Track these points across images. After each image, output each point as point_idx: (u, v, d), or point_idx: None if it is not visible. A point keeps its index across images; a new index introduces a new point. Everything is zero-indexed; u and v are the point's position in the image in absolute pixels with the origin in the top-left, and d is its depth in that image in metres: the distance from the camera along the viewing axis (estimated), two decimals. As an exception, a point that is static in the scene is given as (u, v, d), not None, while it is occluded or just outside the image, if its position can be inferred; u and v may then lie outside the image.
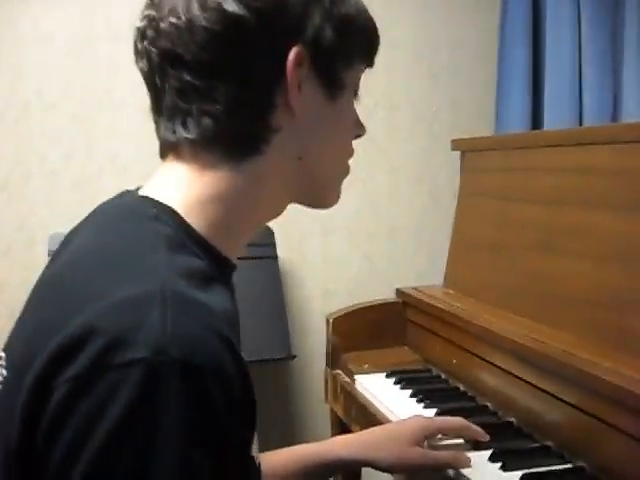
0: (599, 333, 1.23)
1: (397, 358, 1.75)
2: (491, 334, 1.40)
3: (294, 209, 2.58)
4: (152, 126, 0.80)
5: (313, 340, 2.40)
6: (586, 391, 1.13)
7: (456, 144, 1.90)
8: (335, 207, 2.63)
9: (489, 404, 1.42)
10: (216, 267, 0.73)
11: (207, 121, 0.72)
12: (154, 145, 0.80)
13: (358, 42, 0.80)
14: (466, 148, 1.85)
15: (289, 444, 1.19)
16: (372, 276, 2.51)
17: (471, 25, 2.56)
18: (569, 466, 1.15)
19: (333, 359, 1.79)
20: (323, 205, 0.87)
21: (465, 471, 1.13)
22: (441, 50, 2.54)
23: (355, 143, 2.65)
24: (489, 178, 1.74)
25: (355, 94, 0.84)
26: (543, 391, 1.24)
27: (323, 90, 0.78)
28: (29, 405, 0.61)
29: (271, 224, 2.22)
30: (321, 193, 0.86)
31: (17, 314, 0.75)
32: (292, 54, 0.73)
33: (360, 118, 0.87)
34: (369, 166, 2.49)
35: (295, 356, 2.12)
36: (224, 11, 0.70)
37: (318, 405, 2.21)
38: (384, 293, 2.01)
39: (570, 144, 1.45)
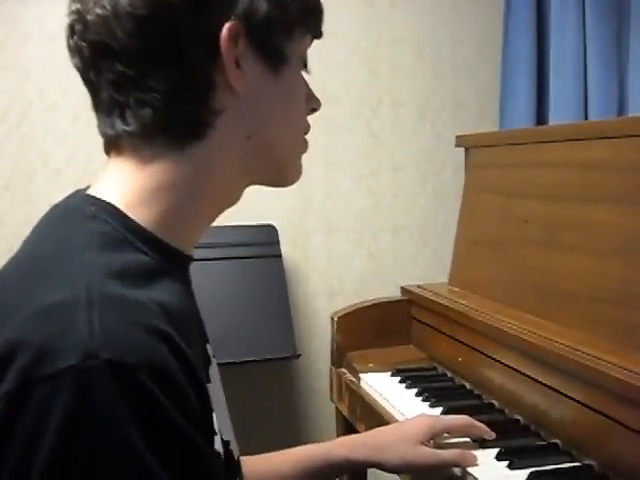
0: (604, 328, 1.22)
1: (402, 356, 1.75)
2: (496, 331, 1.39)
3: (297, 207, 2.56)
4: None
5: (318, 339, 2.40)
6: (592, 387, 1.12)
7: (460, 140, 1.89)
8: (339, 205, 2.62)
9: (495, 402, 1.41)
10: (165, 260, 0.70)
11: (145, 111, 0.69)
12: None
13: (296, 10, 0.75)
14: (470, 144, 1.84)
15: (294, 443, 1.18)
16: (377, 274, 2.50)
17: (474, 23, 2.54)
18: (577, 464, 1.14)
19: (338, 358, 1.79)
20: (283, 183, 0.83)
21: (472, 470, 1.12)
22: (444, 48, 2.53)
23: (360, 141, 2.66)
24: (493, 174, 1.74)
25: (304, 66, 0.81)
26: (549, 388, 1.23)
27: (264, 64, 0.74)
28: None
29: (275, 222, 2.25)
30: (278, 171, 0.82)
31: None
32: (224, 30, 0.69)
33: (313, 91, 0.83)
34: (373, 164, 2.48)
35: (300, 355, 2.11)
36: None
37: (323, 404, 2.20)
38: (390, 291, 2.00)
39: (573, 139, 1.45)
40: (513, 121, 2.36)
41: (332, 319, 1.81)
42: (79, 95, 2.52)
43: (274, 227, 2.24)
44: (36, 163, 2.30)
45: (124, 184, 0.72)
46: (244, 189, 0.81)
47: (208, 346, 0.80)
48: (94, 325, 0.57)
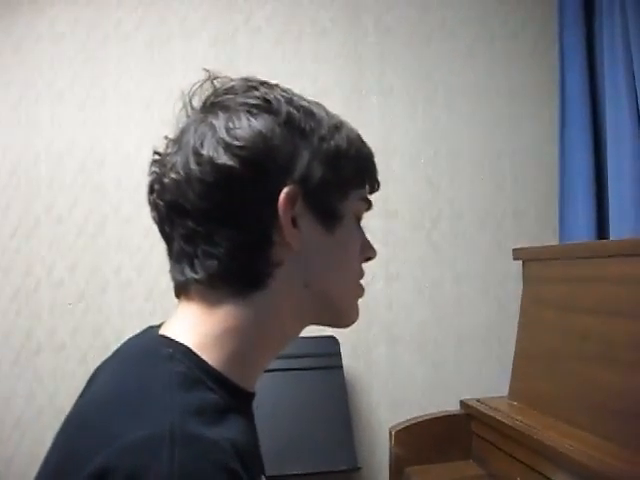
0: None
1: (461, 472, 1.72)
2: (553, 451, 1.36)
3: (358, 318, 2.54)
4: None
5: (380, 451, 2.37)
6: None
7: (517, 253, 1.90)
8: (401, 316, 2.61)
9: (554, 524, 1.37)
10: (231, 398, 0.76)
11: (211, 262, 0.77)
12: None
13: (350, 173, 0.82)
14: (527, 257, 1.85)
15: None
16: (440, 386, 2.48)
17: (532, 134, 2.59)
18: None
19: (396, 472, 1.77)
20: (341, 325, 0.88)
21: None
22: (503, 160, 2.58)
23: (421, 252, 2.67)
24: (550, 287, 1.73)
25: (358, 220, 0.86)
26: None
27: (319, 223, 0.80)
28: None
29: (336, 334, 2.27)
30: (336, 314, 0.87)
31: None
32: (282, 195, 0.76)
33: (369, 240, 0.88)
34: (435, 275, 2.50)
35: (360, 468, 2.09)
36: (216, 164, 0.76)
37: (384, 520, 2.16)
38: (453, 403, 1.98)
39: (630, 254, 1.44)
40: (573, 231, 2.35)
41: (390, 432, 1.80)
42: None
43: (335, 338, 2.26)
44: (108, 274, 2.41)
45: (194, 327, 0.79)
46: (304, 328, 0.86)
47: (263, 477, 0.84)
48: (174, 462, 0.63)
